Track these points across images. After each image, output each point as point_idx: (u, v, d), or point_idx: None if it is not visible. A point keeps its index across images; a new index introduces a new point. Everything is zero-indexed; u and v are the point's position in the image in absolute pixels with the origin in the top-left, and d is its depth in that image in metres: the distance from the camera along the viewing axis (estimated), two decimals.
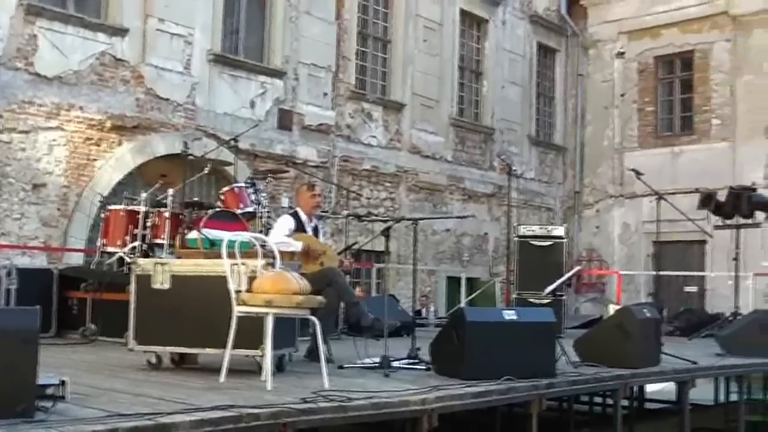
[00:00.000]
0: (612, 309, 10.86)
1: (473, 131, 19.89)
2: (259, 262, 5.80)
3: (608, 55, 22.22)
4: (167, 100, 13.80)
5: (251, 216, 9.18)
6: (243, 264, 5.73)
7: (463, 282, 17.15)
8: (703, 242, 18.72)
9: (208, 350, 5.99)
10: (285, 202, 14.05)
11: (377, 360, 6.51)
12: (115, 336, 7.57)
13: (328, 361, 6.22)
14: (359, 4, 17.37)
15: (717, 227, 13.25)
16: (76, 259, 12.22)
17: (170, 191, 8.98)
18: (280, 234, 7.33)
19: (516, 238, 11.63)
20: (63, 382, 4.26)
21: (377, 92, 17.78)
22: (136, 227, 8.77)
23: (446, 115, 19.03)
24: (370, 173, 17.21)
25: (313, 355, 6.63)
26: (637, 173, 11.15)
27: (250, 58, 15.36)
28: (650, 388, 11.80)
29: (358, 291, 13.27)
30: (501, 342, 6.27)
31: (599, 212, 22.28)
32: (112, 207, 9.16)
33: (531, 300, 10.66)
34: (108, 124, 13.00)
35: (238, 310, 5.51)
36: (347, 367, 6.57)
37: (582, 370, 7.08)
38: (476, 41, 20.25)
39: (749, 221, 12.74)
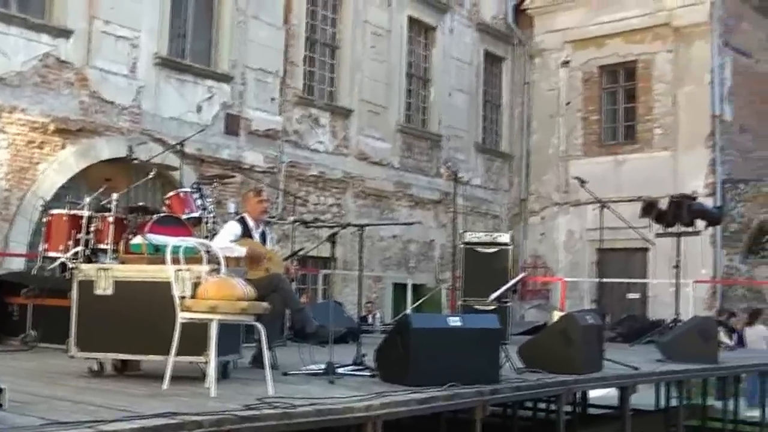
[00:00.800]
0: (556, 315, 10.96)
1: (420, 138, 19.98)
2: (204, 267, 5.76)
3: (554, 64, 22.47)
4: (112, 103, 13.65)
5: (197, 221, 9.11)
6: (187, 270, 5.68)
7: (410, 288, 17.20)
8: (646, 250, 19.01)
9: (152, 357, 5.92)
10: (232, 207, 13.91)
11: (322, 367, 6.51)
12: (57, 343, 7.45)
13: (273, 367, 6.20)
14: (307, 9, 17.36)
15: (658, 235, 13.48)
16: (17, 265, 11.99)
17: (114, 196, 8.88)
18: (226, 240, 7.29)
19: (462, 245, 11.70)
20: (1, 390, 4.18)
21: (325, 98, 17.78)
22: (79, 232, 8.64)
23: (393, 122, 19.09)
24: (317, 179, 17.18)
25: (257, 361, 6.61)
26: (581, 181, 11.30)
27: (197, 62, 15.26)
28: (593, 393, 11.95)
29: (303, 297, 13.26)
30: (446, 348, 6.31)
31: (544, 219, 22.51)
32: (55, 211, 9.01)
33: (476, 306, 10.72)
34: (51, 126, 12.82)
35: (182, 316, 5.46)
36: (292, 374, 6.55)
37: (526, 376, 7.14)
38: (424, 48, 20.36)
39: (690, 229, 12.97)
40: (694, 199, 13.27)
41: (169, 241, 5.90)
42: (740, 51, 21.42)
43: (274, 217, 14.64)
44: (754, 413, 12.25)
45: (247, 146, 15.79)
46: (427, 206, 19.79)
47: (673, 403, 10.98)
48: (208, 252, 5.95)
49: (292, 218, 12.14)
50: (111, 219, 8.63)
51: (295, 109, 16.92)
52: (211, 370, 5.33)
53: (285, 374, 6.51)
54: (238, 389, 5.60)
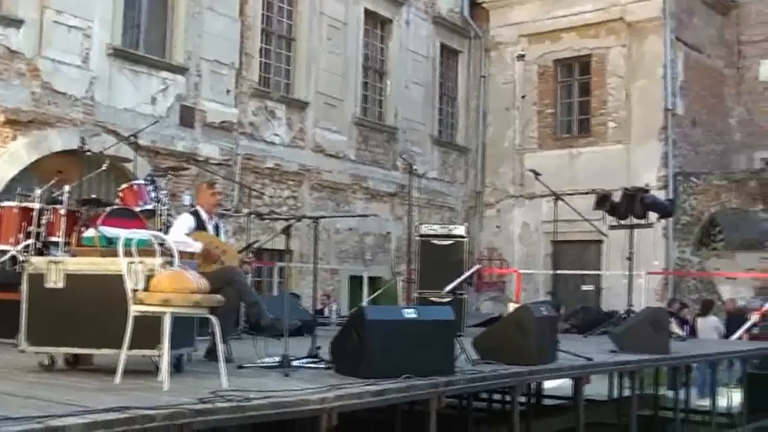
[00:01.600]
0: (511, 307, 11.04)
1: (376, 131, 19.98)
2: (157, 260, 5.71)
3: (509, 57, 22.59)
4: (64, 94, 13.46)
5: (151, 214, 9.03)
6: (140, 262, 5.63)
7: (366, 281, 17.21)
8: (599, 242, 19.19)
9: (104, 351, 5.86)
10: (187, 200, 13.84)
11: (277, 359, 6.49)
12: (6, 337, 7.32)
13: (228, 360, 6.17)
14: (263, 1, 17.25)
15: (612, 227, 13.61)
16: None
17: (66, 188, 8.75)
18: (180, 232, 7.24)
19: (417, 237, 11.71)
20: None
21: (281, 90, 17.70)
22: (30, 225, 8.51)
23: (350, 114, 19.06)
24: (273, 171, 17.11)
25: (212, 354, 6.57)
26: (536, 174, 11.38)
27: (151, 54, 15.10)
28: (547, 384, 12.07)
29: (256, 289, 13.20)
30: (401, 340, 6.32)
31: (500, 212, 22.63)
32: (5, 204, 8.85)
33: (432, 298, 10.74)
34: (2, 118, 12.62)
35: (134, 309, 5.41)
36: (247, 367, 6.53)
37: (481, 367, 7.18)
38: (380, 41, 20.34)
39: (642, 221, 13.14)
40: (647, 191, 13.43)
41: (122, 233, 5.83)
42: (692, 46, 21.70)
43: (229, 210, 14.58)
44: (705, 402, 12.46)
45: (202, 138, 15.67)
46: (383, 199, 19.80)
47: (626, 393, 11.12)
48: (161, 244, 5.90)
49: (246, 211, 12.08)
50: (63, 211, 8.51)
51: (250, 102, 16.82)
52: (165, 364, 5.28)
53: (240, 367, 6.48)
54: (192, 383, 5.56)
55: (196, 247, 7.16)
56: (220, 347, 5.66)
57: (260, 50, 17.23)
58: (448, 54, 22.49)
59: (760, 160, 23.00)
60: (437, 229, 11.90)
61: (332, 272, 18.29)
